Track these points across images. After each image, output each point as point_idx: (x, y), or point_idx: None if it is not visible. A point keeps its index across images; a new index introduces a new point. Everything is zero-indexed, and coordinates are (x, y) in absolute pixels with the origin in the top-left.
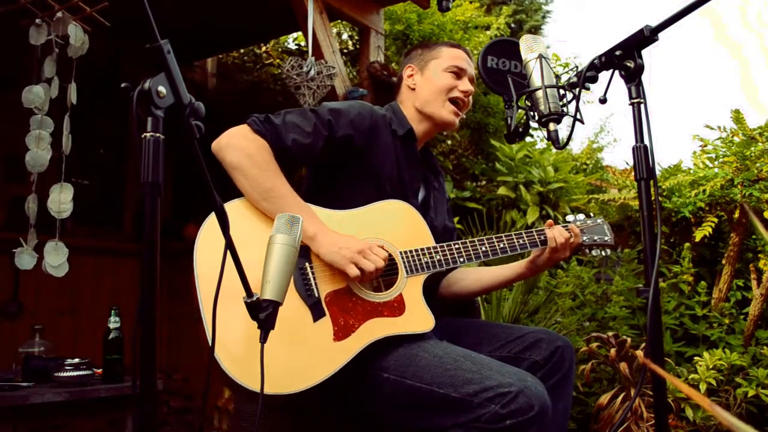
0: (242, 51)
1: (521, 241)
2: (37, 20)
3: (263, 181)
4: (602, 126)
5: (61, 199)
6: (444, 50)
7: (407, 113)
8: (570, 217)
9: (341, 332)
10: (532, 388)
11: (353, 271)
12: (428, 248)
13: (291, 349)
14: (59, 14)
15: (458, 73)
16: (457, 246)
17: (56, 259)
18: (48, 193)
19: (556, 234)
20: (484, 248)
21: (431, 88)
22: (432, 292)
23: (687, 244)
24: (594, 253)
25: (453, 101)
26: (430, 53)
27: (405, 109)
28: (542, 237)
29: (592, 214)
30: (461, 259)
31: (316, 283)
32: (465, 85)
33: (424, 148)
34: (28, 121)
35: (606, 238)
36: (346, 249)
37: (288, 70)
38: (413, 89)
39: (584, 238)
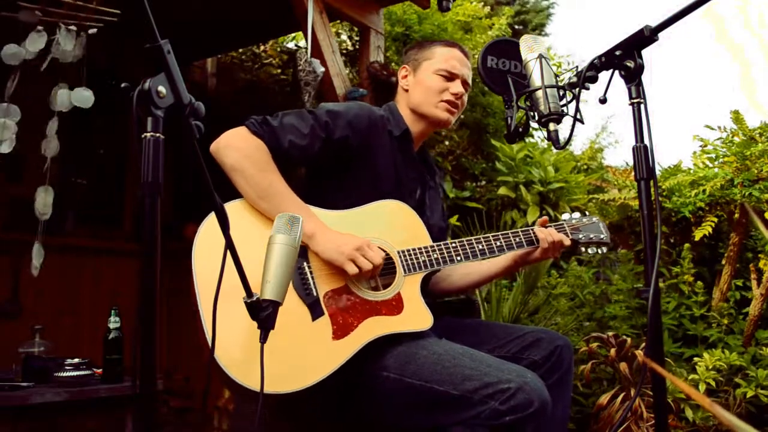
0: (241, 51)
1: (518, 239)
2: (38, 27)
3: (260, 180)
4: (603, 126)
5: (45, 202)
6: (437, 51)
7: (403, 113)
8: (565, 216)
9: (340, 331)
10: (531, 384)
11: (352, 269)
12: (425, 247)
13: (290, 349)
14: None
15: (449, 76)
16: (454, 244)
17: (38, 260)
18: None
19: (546, 235)
20: (480, 246)
21: (421, 91)
22: (426, 290)
23: (687, 245)
24: (590, 251)
25: (444, 103)
26: (423, 53)
27: (400, 109)
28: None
29: (587, 212)
30: (458, 258)
31: (314, 282)
32: (456, 87)
33: (421, 147)
34: (28, 121)
35: (602, 237)
36: (344, 246)
37: (303, 64)
38: (406, 90)
39: (580, 236)
